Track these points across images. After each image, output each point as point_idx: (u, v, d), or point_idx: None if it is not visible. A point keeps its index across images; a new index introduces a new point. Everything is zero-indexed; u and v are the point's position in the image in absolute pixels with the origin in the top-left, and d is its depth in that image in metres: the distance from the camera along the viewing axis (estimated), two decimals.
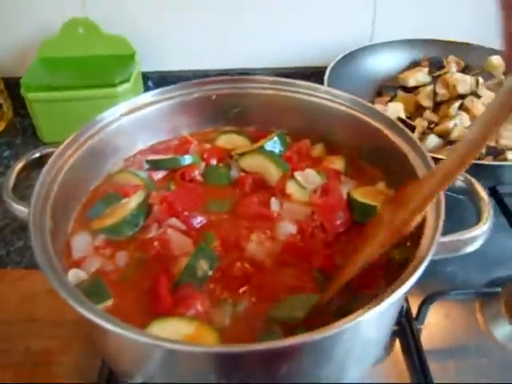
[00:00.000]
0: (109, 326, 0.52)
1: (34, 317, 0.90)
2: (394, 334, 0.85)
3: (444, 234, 0.63)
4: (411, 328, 0.85)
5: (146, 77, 1.45)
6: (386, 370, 0.83)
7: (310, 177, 0.80)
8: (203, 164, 0.86)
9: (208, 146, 0.90)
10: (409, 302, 0.88)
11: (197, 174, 0.84)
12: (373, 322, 0.63)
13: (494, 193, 1.03)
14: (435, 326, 0.89)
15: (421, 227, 0.64)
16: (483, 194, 0.70)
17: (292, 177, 0.80)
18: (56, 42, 1.36)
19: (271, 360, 0.57)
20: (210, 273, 0.67)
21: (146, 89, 1.46)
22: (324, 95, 0.85)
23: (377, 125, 0.79)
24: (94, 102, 1.26)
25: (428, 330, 0.88)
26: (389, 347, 0.85)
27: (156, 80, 1.47)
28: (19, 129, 1.43)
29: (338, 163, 0.81)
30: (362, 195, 0.77)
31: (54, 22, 1.34)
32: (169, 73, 1.45)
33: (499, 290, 0.90)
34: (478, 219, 0.67)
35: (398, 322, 0.85)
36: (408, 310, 0.87)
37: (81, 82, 1.28)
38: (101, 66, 1.33)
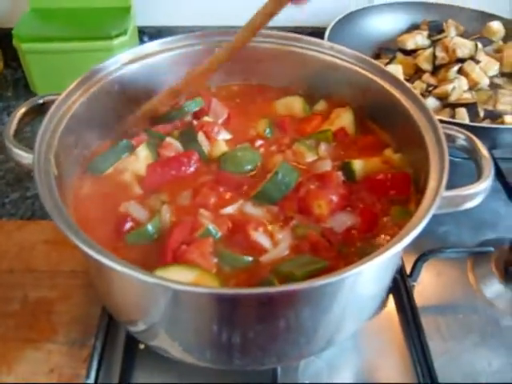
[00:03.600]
0: (118, 267, 0.52)
1: (31, 267, 0.90)
2: (388, 291, 0.86)
3: None
4: (405, 285, 0.88)
5: (141, 31, 1.42)
6: (379, 324, 0.85)
7: None
8: None
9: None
10: (403, 260, 0.90)
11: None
12: (373, 275, 0.65)
13: None
14: (428, 284, 0.91)
15: (425, 182, 0.64)
16: (485, 152, 0.70)
17: None
18: None
19: (264, 306, 0.58)
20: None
21: (142, 43, 1.43)
22: (328, 51, 0.83)
23: (381, 82, 0.79)
24: (89, 54, 1.24)
25: (421, 288, 0.90)
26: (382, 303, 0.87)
27: (151, 35, 1.44)
28: (10, 81, 1.40)
29: (345, 117, 0.80)
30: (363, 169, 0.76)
31: None
32: (166, 28, 1.43)
33: (492, 249, 0.92)
34: (478, 177, 0.68)
35: (392, 279, 0.87)
36: (402, 267, 0.89)
37: (76, 34, 1.25)
38: (95, 19, 1.30)
